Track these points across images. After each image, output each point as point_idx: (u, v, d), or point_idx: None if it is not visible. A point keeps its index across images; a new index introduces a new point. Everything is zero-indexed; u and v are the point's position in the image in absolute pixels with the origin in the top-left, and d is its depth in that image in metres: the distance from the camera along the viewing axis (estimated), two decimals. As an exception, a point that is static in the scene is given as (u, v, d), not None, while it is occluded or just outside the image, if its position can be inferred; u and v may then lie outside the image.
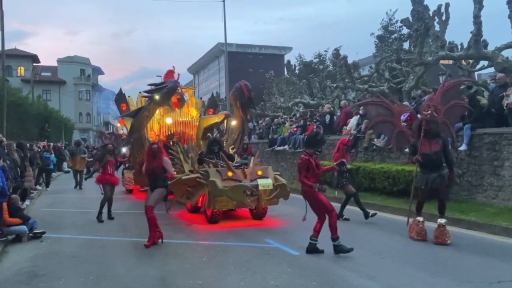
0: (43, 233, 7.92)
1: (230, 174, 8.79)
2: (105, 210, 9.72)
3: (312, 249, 6.47)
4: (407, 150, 9.05)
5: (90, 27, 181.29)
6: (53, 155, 18.89)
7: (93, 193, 14.73)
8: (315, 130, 7.36)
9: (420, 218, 7.31)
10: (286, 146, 17.83)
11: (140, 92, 14.66)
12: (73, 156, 18.07)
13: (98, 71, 67.06)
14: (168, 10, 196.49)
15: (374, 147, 13.02)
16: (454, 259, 6.16)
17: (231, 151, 11.23)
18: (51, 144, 22.65)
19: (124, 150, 16.47)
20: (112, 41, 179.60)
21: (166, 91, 11.15)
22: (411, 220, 7.65)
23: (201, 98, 17.48)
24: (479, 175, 9.98)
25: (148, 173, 7.38)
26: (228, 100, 13.69)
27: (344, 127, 15.11)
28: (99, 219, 9.47)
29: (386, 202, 10.67)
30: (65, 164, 24.44)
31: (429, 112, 7.29)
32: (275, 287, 5.04)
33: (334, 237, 6.38)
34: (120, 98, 14.02)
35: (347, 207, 9.35)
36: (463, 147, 10.11)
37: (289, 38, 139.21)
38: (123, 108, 13.86)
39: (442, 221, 7.02)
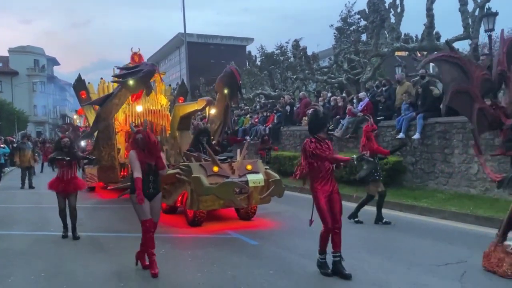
0: (-8, 230, 7.57)
1: (216, 169, 7.66)
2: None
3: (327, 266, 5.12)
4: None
5: (45, 16, 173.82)
6: (4, 147, 17.86)
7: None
8: (313, 110, 4.84)
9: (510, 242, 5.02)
10: (248, 137, 17.87)
11: (101, 78, 13.67)
12: (20, 151, 15.67)
13: (53, 61, 64.58)
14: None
15: (332, 137, 13.24)
16: (406, 244, 6.40)
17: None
18: (1, 138, 21.57)
19: (83, 143, 15.62)
20: (69, 31, 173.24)
21: (143, 75, 9.75)
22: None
23: (170, 85, 16.46)
24: (431, 162, 10.37)
25: (144, 172, 5.25)
26: (215, 87, 12.08)
27: (304, 118, 15.33)
28: (64, 234, 7.32)
29: (343, 190, 10.73)
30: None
31: None
32: (232, 278, 5.06)
33: (321, 250, 5.16)
34: (79, 84, 12.80)
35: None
36: (416, 136, 10.48)
37: (252, 29, 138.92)
38: (83, 96, 12.79)
39: None
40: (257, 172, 7.89)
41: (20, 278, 5.26)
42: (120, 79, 10.01)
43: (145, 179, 5.25)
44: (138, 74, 9.60)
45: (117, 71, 10.88)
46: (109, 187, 12.25)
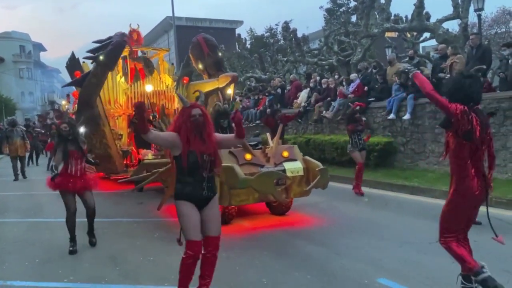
0: (-16, 218, 7.49)
1: (248, 157, 6.43)
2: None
3: None
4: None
5: (31, 1, 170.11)
6: None
7: (40, 175, 14.14)
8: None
9: None
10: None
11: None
12: (9, 139, 14.34)
13: (39, 47, 63.39)
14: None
15: (323, 119, 13.30)
16: (398, 223, 6.49)
17: None
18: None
19: (81, 130, 14.92)
20: (55, 16, 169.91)
21: (111, 48, 8.77)
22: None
23: (172, 64, 15.42)
24: (422, 142, 10.46)
25: (196, 166, 3.60)
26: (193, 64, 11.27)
27: (295, 100, 15.33)
28: (72, 248, 5.66)
29: (335, 172, 10.96)
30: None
31: None
32: (226, 259, 5.08)
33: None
34: (73, 64, 11.14)
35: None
36: (406, 116, 10.54)
37: (241, 12, 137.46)
38: (77, 77, 11.36)
39: None
40: (294, 160, 6.73)
41: (15, 264, 5.27)
42: (93, 55, 9.14)
43: (197, 176, 3.64)
44: (107, 48, 8.76)
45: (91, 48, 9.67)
46: (115, 178, 10.58)
